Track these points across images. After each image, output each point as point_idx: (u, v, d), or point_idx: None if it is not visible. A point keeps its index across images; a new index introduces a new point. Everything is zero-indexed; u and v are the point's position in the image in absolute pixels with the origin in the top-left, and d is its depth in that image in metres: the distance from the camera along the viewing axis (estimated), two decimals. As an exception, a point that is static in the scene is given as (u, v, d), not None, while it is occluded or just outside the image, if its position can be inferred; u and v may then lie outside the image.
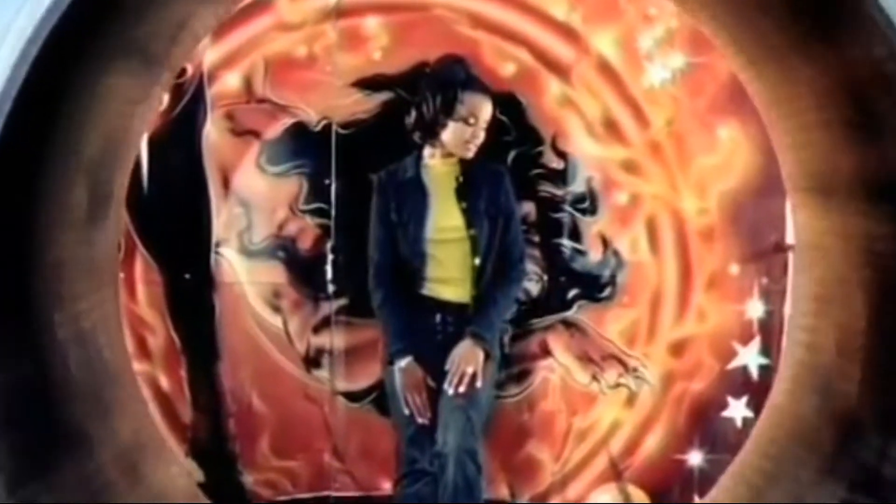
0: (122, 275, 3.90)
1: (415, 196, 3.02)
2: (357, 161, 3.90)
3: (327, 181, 4.01)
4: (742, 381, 4.06)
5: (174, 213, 4.04)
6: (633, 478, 4.13)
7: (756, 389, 4.02)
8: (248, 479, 4.09)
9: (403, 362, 2.95)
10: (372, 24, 4.03)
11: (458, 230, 3.00)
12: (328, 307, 4.07)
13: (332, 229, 4.01)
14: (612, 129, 4.09)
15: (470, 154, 3.01)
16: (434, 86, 2.97)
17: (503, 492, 4.11)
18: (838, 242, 3.43)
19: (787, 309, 3.95)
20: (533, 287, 4.07)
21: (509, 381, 4.05)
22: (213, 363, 4.07)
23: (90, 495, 3.04)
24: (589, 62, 4.07)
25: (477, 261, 3.00)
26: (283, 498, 4.11)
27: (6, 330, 2.75)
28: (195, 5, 3.49)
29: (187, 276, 4.05)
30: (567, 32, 4.05)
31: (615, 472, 4.13)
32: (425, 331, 3.00)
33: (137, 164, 3.84)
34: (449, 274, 3.01)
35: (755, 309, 4.06)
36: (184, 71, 3.91)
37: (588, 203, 4.10)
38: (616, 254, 4.12)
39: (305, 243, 4.08)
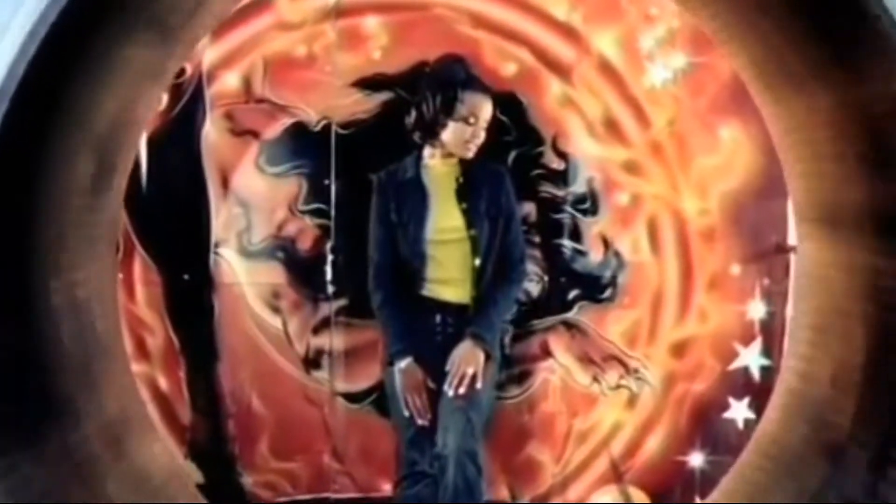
0: (120, 275, 3.90)
1: (415, 196, 3.00)
2: (357, 161, 3.89)
3: (327, 181, 4.00)
4: (743, 382, 4.06)
5: (173, 214, 4.03)
6: (634, 479, 4.12)
7: (757, 390, 4.02)
8: (248, 480, 4.08)
9: (403, 363, 2.94)
10: (372, 23, 4.02)
11: (458, 231, 2.98)
12: (328, 308, 4.06)
13: (332, 230, 4.00)
14: (613, 129, 4.09)
15: (470, 154, 3.00)
16: (434, 85, 2.96)
17: (503, 493, 4.10)
18: (842, 275, 3.41)
19: (789, 310, 3.94)
20: (533, 288, 4.07)
21: (510, 383, 4.04)
22: (212, 364, 4.06)
23: (73, 467, 3.03)
24: (590, 62, 4.06)
25: (477, 261, 2.98)
26: (282, 499, 4.10)
27: (1, 292, 2.74)
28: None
29: (186, 276, 4.05)
30: (568, 32, 4.04)
31: (616, 474, 4.12)
32: (425, 332, 2.98)
33: (136, 165, 3.83)
34: (449, 275, 2.99)
35: (756, 310, 4.05)
36: (183, 71, 3.91)
37: (589, 203, 4.09)
38: (617, 254, 4.11)
39: (305, 244, 4.07)
